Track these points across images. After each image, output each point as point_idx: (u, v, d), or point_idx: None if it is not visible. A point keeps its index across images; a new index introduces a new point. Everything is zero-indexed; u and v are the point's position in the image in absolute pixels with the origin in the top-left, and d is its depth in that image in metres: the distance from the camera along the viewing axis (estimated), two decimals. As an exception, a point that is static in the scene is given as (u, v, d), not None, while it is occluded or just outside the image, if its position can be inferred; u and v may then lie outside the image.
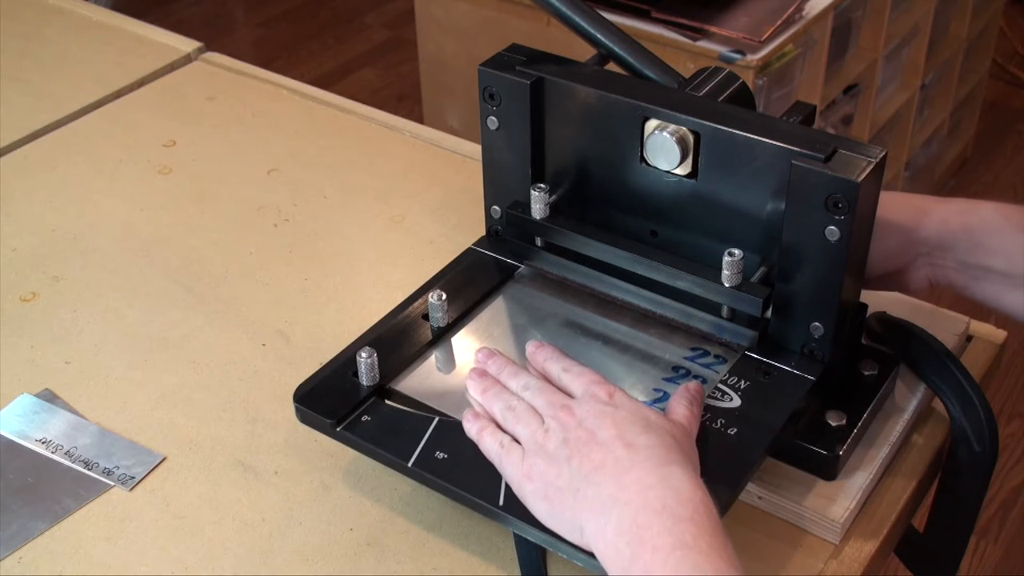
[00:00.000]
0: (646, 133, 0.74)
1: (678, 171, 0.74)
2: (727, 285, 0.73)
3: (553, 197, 0.81)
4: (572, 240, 0.80)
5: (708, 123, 0.72)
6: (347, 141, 1.09)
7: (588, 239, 0.79)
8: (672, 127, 0.73)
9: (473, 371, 0.73)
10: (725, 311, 0.76)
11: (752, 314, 0.74)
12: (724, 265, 0.73)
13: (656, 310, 0.79)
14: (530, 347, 0.74)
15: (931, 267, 0.77)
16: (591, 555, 0.62)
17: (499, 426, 0.69)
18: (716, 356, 0.77)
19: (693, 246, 0.77)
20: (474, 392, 0.72)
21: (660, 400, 0.73)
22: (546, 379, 0.72)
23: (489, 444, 0.68)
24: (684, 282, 0.75)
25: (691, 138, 0.73)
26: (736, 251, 0.72)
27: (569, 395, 0.69)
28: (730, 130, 0.71)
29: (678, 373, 0.76)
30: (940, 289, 0.78)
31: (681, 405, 0.69)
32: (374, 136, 1.10)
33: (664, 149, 0.73)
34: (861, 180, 0.66)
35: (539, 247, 0.83)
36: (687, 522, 0.59)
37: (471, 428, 0.70)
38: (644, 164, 0.76)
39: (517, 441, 0.68)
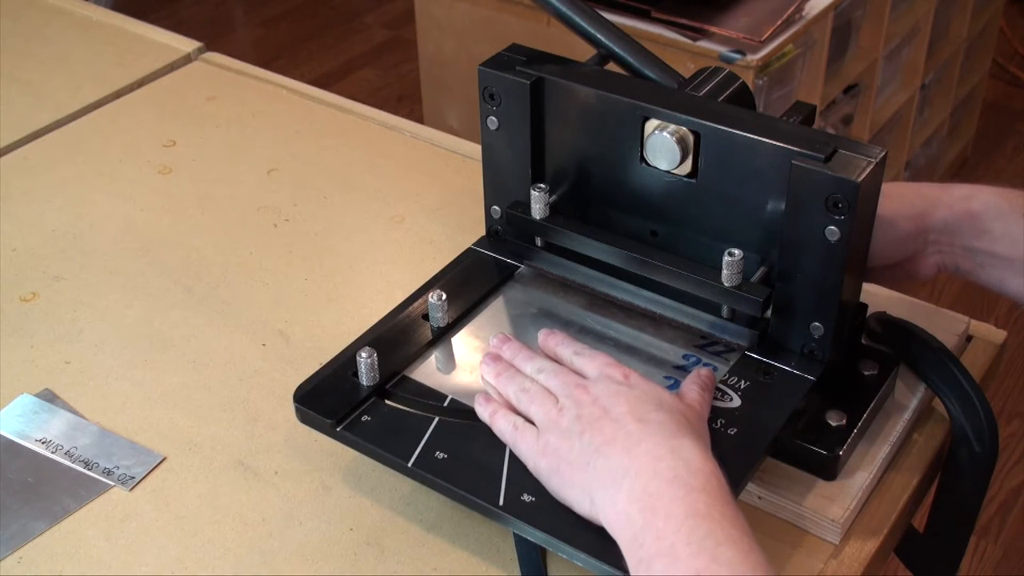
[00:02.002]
0: (646, 133, 0.74)
1: (678, 171, 0.74)
2: (727, 285, 0.73)
3: (553, 197, 0.81)
4: (572, 240, 0.80)
5: (708, 123, 0.72)
6: (347, 141, 1.09)
7: (588, 239, 0.79)
8: (672, 127, 0.73)
9: (487, 355, 0.74)
10: (725, 311, 0.76)
11: (752, 314, 0.74)
12: (724, 265, 0.73)
13: (656, 310, 0.79)
14: (542, 334, 0.75)
15: (939, 254, 0.77)
16: (595, 549, 0.62)
17: (512, 409, 0.70)
18: (724, 345, 0.77)
19: (693, 246, 0.77)
20: (488, 375, 0.73)
21: (672, 387, 0.73)
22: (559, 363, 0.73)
23: (502, 425, 0.69)
24: (684, 282, 0.76)
25: (691, 138, 0.73)
26: (736, 251, 0.72)
27: (583, 377, 0.70)
28: (730, 130, 0.71)
29: (689, 361, 0.76)
30: (948, 274, 0.78)
31: (693, 390, 0.70)
32: (374, 136, 1.10)
33: (664, 149, 0.73)
34: (861, 180, 0.66)
35: (539, 247, 0.83)
36: (699, 491, 0.59)
37: (484, 411, 0.70)
38: (644, 164, 0.76)
39: (530, 422, 0.68)
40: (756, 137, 0.70)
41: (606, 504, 0.62)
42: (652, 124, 0.74)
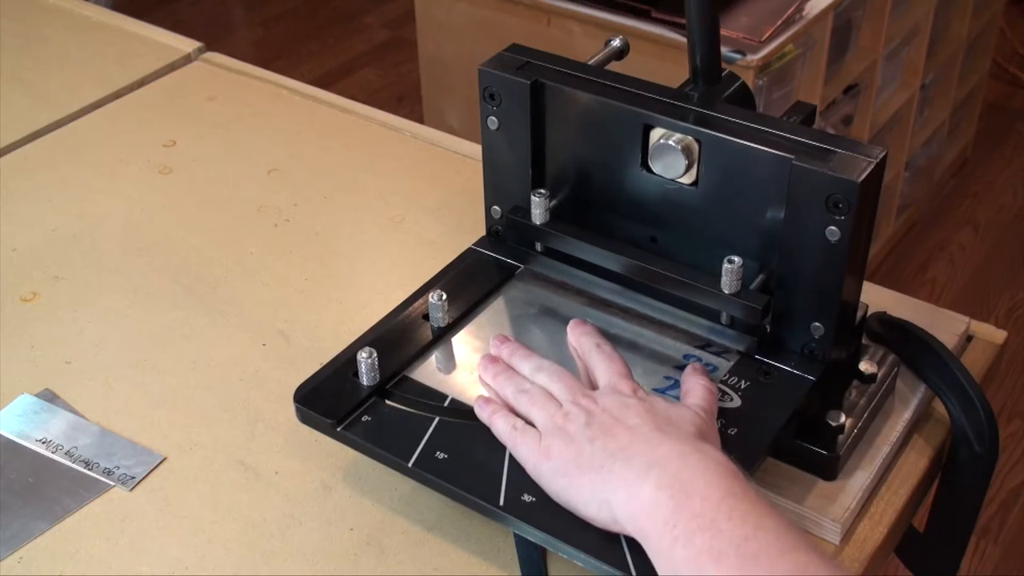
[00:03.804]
0: (651, 142, 0.74)
1: (682, 180, 0.74)
2: (726, 292, 0.73)
3: (553, 202, 0.81)
4: (572, 246, 0.80)
5: (709, 132, 0.72)
6: (347, 141, 1.09)
7: (588, 245, 0.78)
8: (677, 136, 0.73)
9: (484, 356, 0.74)
10: (724, 318, 0.76)
11: (751, 322, 0.74)
12: (723, 272, 0.72)
13: (655, 316, 0.79)
14: (572, 322, 0.75)
15: None
16: (595, 549, 0.62)
17: (512, 411, 0.70)
18: (723, 345, 0.77)
19: (693, 253, 0.77)
20: (485, 376, 0.73)
21: (672, 388, 0.73)
22: (576, 353, 0.73)
23: (502, 427, 0.69)
24: (683, 289, 0.75)
25: (696, 147, 0.72)
26: (735, 259, 0.72)
27: (590, 373, 0.71)
28: (731, 139, 0.71)
29: (689, 361, 0.76)
30: None
31: (698, 384, 0.69)
32: (374, 136, 1.10)
33: (670, 159, 0.73)
34: (861, 180, 0.66)
35: (539, 252, 0.83)
36: (732, 479, 0.59)
37: (483, 412, 0.70)
38: (645, 170, 0.76)
39: (530, 423, 0.68)
40: (757, 146, 0.70)
41: (626, 501, 0.61)
42: (657, 133, 0.73)
